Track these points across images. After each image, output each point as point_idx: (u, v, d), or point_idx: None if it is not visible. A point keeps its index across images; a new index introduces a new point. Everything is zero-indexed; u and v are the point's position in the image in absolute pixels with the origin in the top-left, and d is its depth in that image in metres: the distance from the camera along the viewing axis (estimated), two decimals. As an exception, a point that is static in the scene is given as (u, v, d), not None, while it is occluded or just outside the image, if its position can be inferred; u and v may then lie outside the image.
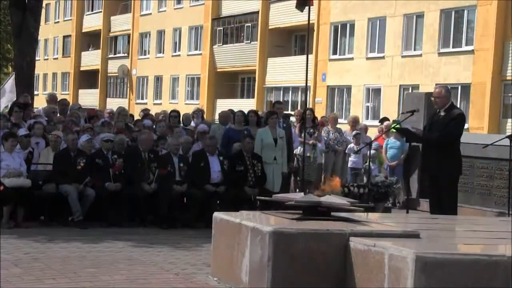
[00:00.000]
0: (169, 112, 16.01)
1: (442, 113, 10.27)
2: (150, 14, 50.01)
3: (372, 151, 14.99)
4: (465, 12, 29.53)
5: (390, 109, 30.61)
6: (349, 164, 15.84)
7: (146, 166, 11.96)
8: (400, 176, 14.63)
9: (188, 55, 46.18)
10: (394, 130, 13.47)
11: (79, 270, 7.65)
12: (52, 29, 59.99)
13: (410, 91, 28.58)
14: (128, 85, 52.10)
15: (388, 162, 15.26)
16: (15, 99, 15.44)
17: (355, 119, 17.54)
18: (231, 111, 14.75)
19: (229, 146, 13.13)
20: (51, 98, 16.18)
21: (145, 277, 7.41)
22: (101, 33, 55.12)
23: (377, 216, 9.76)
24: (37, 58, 24.71)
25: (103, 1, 55.19)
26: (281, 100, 34.46)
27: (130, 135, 13.27)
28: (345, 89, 35.08)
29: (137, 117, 17.08)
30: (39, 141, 12.45)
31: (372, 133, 18.32)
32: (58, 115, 14.04)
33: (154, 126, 14.23)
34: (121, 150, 12.23)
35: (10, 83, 16.11)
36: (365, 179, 14.92)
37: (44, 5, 23.36)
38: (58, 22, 60.50)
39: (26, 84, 18.39)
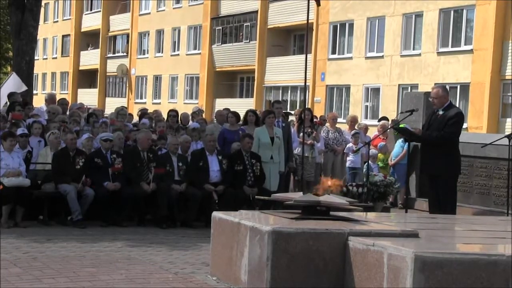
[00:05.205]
0: (159, 111, 16.13)
1: (441, 112, 10.28)
2: (149, 13, 49.99)
3: (373, 151, 15.02)
4: (464, 11, 29.54)
5: (389, 108, 30.64)
6: (348, 164, 15.83)
7: (145, 166, 11.96)
8: (403, 175, 14.40)
9: (187, 54, 46.17)
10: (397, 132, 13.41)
11: (78, 269, 7.65)
12: (51, 28, 59.98)
13: (409, 90, 28.59)
14: (127, 85, 52.08)
15: (391, 162, 15.26)
16: (20, 91, 15.50)
17: (354, 118, 17.52)
18: (227, 110, 14.80)
19: (225, 146, 13.14)
20: (50, 98, 16.20)
21: (144, 277, 7.40)
22: (100, 32, 55.08)
23: (376, 215, 9.77)
24: (36, 58, 24.70)
25: (102, 0, 55.14)
26: (280, 99, 34.45)
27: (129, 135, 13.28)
28: (344, 89, 35.08)
29: (135, 116, 17.12)
30: (40, 140, 12.46)
31: (372, 133, 18.33)
32: (60, 115, 14.05)
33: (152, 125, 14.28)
34: (120, 148, 12.24)
35: (12, 80, 16.10)
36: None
37: (43, 4, 23.33)
38: (57, 21, 60.46)
39: (25, 83, 18.38)
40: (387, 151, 15.70)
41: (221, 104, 35.03)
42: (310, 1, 13.36)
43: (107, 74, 54.49)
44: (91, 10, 57.04)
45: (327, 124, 16.15)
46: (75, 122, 13.81)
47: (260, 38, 40.42)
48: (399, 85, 31.82)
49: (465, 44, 29.33)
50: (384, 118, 19.43)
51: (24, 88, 16.12)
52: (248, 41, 41.56)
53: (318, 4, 13.29)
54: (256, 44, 40.64)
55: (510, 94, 27.73)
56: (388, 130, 15.56)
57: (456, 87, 28.94)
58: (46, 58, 61.34)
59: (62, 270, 7.59)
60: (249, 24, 41.51)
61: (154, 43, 49.37)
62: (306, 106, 17.84)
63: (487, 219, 9.92)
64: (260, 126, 13.20)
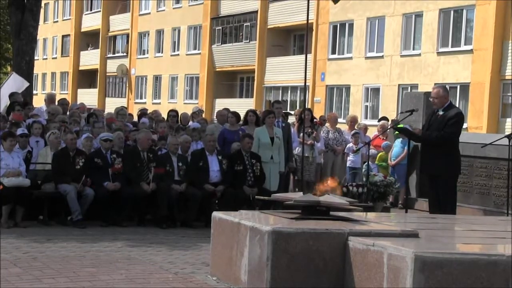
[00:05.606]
0: (158, 111, 16.10)
1: (441, 112, 10.28)
2: (149, 13, 50.00)
3: (373, 151, 15.02)
4: (464, 11, 29.54)
5: (389, 108, 30.64)
6: (348, 164, 15.84)
7: (145, 166, 11.95)
8: (403, 175, 14.38)
9: (187, 54, 46.17)
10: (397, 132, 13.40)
11: (78, 269, 7.65)
12: (51, 28, 59.99)
13: (409, 90, 28.59)
14: (127, 85, 52.09)
15: (391, 162, 15.26)
16: (21, 90, 15.49)
17: (354, 118, 17.53)
18: (227, 110, 14.83)
19: (225, 146, 13.14)
20: (49, 98, 16.19)
21: (144, 277, 7.40)
22: (100, 32, 55.09)
23: (376, 215, 9.77)
24: (36, 58, 24.70)
25: (102, 0, 55.16)
26: (280, 99, 34.45)
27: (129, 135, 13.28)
28: (344, 89, 35.08)
29: (135, 117, 17.12)
30: (38, 140, 12.46)
31: (372, 133, 18.33)
32: (60, 115, 14.05)
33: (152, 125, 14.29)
34: (120, 148, 12.23)
35: (12, 80, 16.09)
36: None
37: (43, 4, 23.33)
38: (57, 21, 60.48)
39: (25, 82, 18.38)
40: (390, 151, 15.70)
41: (221, 104, 35.03)
42: (318, 1, 13.32)
43: (107, 74, 54.50)
44: (91, 10, 57.06)
45: (327, 124, 16.14)
46: (75, 122, 13.81)
47: (260, 38, 40.42)
48: (399, 85, 31.82)
49: (465, 44, 29.33)
50: (384, 118, 19.43)
51: (26, 84, 16.10)
52: (248, 41, 41.56)
53: (336, 2, 13.15)
54: (256, 44, 40.65)
55: (510, 94, 27.73)
56: (388, 130, 15.56)
57: (456, 87, 28.94)
58: (46, 58, 61.35)
59: (62, 270, 7.59)
60: (249, 24, 41.51)
61: (154, 43, 49.37)
62: (306, 106, 17.84)
63: (487, 219, 9.93)
64: (260, 126, 13.20)
